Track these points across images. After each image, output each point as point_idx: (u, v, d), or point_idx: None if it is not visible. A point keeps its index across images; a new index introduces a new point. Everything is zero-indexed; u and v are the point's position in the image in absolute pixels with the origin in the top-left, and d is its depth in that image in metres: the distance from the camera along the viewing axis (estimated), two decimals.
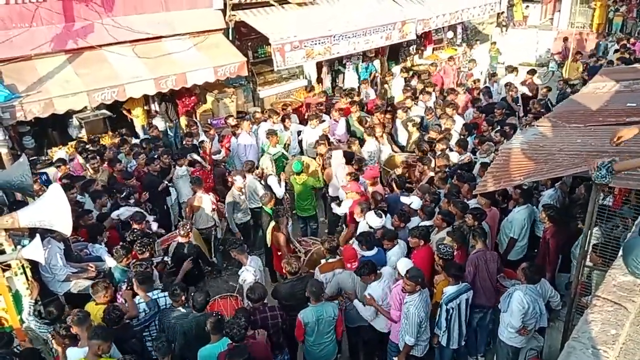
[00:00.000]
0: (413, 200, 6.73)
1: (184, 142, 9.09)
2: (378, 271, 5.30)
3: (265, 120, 9.77)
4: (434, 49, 16.17)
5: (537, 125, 6.59)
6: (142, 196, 7.63)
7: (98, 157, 8.10)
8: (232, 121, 9.92)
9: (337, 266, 5.50)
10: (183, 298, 5.03)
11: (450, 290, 5.10)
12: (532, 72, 12.02)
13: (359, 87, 12.62)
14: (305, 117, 10.31)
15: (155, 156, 8.31)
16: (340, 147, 8.60)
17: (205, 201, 7.35)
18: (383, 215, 6.33)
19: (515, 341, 5.12)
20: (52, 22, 8.72)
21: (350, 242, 6.19)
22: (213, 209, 7.44)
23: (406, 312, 4.92)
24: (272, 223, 6.49)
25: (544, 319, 5.07)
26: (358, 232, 6.28)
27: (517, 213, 6.37)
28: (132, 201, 7.32)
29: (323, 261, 5.65)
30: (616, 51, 14.31)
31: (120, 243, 6.04)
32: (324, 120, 9.84)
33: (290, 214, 7.26)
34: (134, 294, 5.20)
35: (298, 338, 5.06)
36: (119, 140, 9.37)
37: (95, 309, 4.96)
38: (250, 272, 5.61)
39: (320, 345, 5.03)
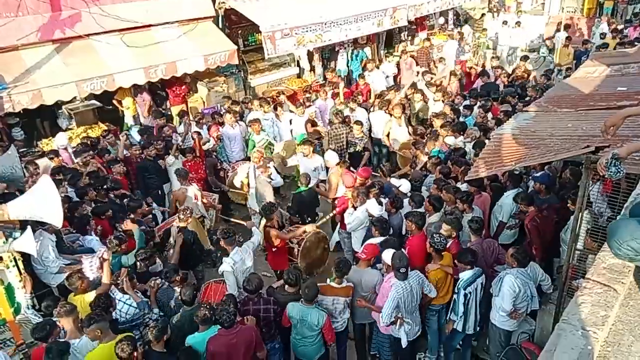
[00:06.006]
0: (402, 183, 6.74)
1: (162, 133, 8.79)
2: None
3: (255, 110, 9.70)
4: (427, 35, 16.03)
5: (529, 110, 6.59)
6: (126, 188, 7.56)
7: (90, 150, 8.03)
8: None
9: (340, 294, 5.08)
10: (178, 278, 5.12)
11: (466, 275, 5.09)
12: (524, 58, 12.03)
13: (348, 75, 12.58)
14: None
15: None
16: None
17: (190, 193, 7.31)
18: (383, 204, 6.32)
19: (507, 324, 5.17)
20: (38, 11, 8.60)
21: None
22: (196, 200, 7.36)
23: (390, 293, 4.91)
24: (263, 221, 6.36)
25: (535, 302, 5.12)
26: (347, 219, 6.31)
27: (507, 197, 6.39)
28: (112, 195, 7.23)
29: (328, 281, 5.22)
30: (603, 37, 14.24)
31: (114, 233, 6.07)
32: (309, 106, 9.83)
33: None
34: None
35: (283, 324, 5.03)
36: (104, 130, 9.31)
37: (76, 300, 4.96)
38: (229, 263, 5.45)
39: (302, 341, 4.99)
